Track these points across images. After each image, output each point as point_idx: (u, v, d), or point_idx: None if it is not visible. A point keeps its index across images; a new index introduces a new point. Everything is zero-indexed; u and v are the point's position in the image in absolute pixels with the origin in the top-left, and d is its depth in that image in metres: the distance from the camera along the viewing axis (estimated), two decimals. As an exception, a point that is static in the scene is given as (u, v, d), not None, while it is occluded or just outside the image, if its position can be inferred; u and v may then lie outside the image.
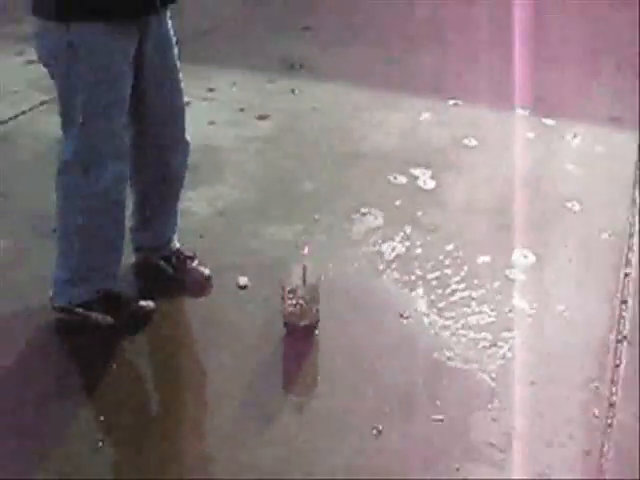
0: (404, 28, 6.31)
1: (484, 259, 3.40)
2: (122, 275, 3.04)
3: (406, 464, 2.43)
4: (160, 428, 2.58)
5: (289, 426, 2.56)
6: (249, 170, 4.17)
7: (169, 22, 2.84)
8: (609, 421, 2.59)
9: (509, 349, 2.89)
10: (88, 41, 2.57)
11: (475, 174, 4.15)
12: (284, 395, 2.74)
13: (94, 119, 2.67)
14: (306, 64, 5.58)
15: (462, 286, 3.23)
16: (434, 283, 3.24)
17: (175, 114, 2.97)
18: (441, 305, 3.12)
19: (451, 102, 5.00)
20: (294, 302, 2.90)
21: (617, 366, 2.84)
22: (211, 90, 5.14)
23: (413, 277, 3.28)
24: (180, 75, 2.91)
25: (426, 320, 3.04)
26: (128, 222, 3.02)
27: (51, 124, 3.28)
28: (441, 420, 2.57)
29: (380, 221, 3.67)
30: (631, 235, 3.62)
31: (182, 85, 2.93)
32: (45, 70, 2.72)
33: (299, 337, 2.94)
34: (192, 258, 3.25)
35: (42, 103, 4.67)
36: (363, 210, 3.75)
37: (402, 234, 3.57)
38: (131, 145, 2.88)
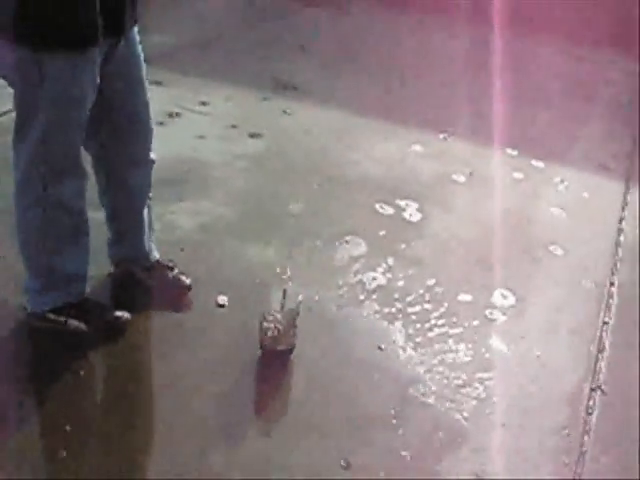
0: (401, 57, 6.35)
1: (464, 297, 3.40)
2: (102, 286, 3.02)
3: (373, 499, 2.41)
4: (126, 443, 2.54)
5: (257, 451, 2.53)
6: (236, 187, 4.14)
7: (137, 41, 2.81)
8: (579, 470, 2.58)
9: (484, 390, 2.88)
10: (54, 65, 2.52)
11: (461, 210, 4.15)
12: (253, 419, 2.71)
13: (54, 137, 2.63)
14: (299, 85, 5.58)
15: (441, 322, 3.22)
16: (413, 317, 3.23)
17: (139, 132, 2.96)
18: (419, 340, 3.10)
19: (441, 136, 5.01)
20: (271, 326, 2.87)
21: (590, 414, 2.84)
22: (204, 104, 5.13)
23: (393, 309, 3.26)
24: (148, 94, 2.90)
25: (402, 354, 3.02)
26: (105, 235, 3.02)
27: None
28: (411, 456, 2.55)
29: (363, 250, 3.66)
30: (612, 283, 3.63)
31: (149, 103, 2.92)
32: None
33: (274, 361, 2.91)
34: (172, 268, 3.23)
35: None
36: (347, 237, 3.74)
37: (384, 265, 3.56)
38: (95, 158, 2.90)
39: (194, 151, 4.47)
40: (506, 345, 3.14)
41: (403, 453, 2.56)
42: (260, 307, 2.91)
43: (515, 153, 4.86)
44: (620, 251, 3.91)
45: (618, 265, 3.77)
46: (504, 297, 3.43)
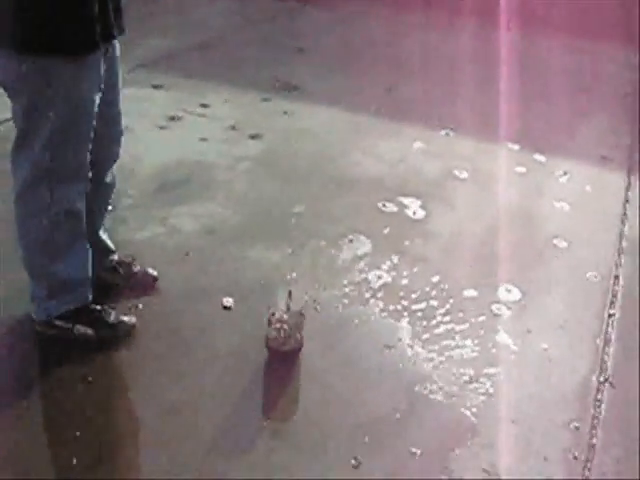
0: (399, 56, 6.35)
1: (470, 292, 3.40)
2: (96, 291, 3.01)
3: (383, 497, 2.41)
4: (133, 447, 2.55)
5: (266, 452, 2.54)
6: (238, 189, 4.15)
7: (118, 49, 2.83)
8: (588, 464, 2.58)
9: (491, 385, 2.88)
10: (59, 72, 2.55)
11: (465, 206, 4.15)
12: (262, 420, 2.71)
13: (62, 144, 2.66)
14: (300, 86, 5.58)
15: (447, 319, 3.22)
16: (419, 314, 3.23)
17: (117, 134, 2.98)
18: (425, 337, 3.11)
19: (443, 132, 5.01)
20: (278, 327, 2.88)
21: (598, 407, 2.84)
22: (204, 106, 5.13)
23: (398, 307, 3.27)
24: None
25: (409, 351, 3.03)
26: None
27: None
28: (420, 454, 2.55)
29: (368, 248, 3.67)
30: (617, 276, 3.63)
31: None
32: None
33: (281, 362, 2.92)
34: (134, 262, 3.28)
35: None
36: (351, 236, 3.74)
37: (389, 263, 3.56)
38: None
39: (196, 154, 4.48)
40: (512, 340, 3.14)
41: (413, 450, 2.56)
42: (266, 308, 2.92)
43: (517, 148, 4.86)
44: (624, 243, 3.90)
45: (622, 257, 3.77)
46: (509, 292, 3.43)
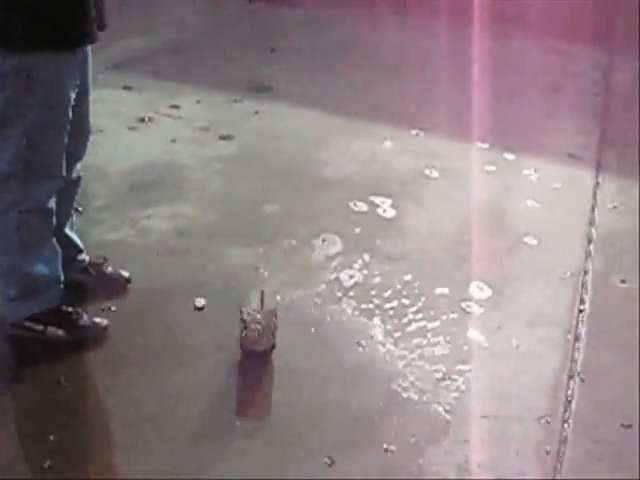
0: (370, 56, 6.36)
1: (441, 290, 3.42)
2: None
3: (358, 495, 2.42)
4: (107, 449, 2.55)
5: (240, 452, 2.54)
6: (210, 190, 4.15)
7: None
8: (560, 457, 2.61)
9: (463, 382, 2.90)
10: (45, 67, 2.56)
11: (435, 205, 4.18)
12: (236, 420, 2.71)
13: (39, 140, 2.66)
14: (272, 86, 5.58)
15: (419, 316, 3.24)
16: (391, 312, 3.25)
17: (84, 132, 2.96)
18: (397, 335, 3.12)
19: (413, 132, 5.03)
20: (251, 327, 2.88)
21: (569, 402, 2.86)
22: (175, 107, 5.12)
23: (370, 305, 3.28)
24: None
25: (382, 349, 3.04)
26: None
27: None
28: (394, 451, 2.57)
29: (339, 248, 3.68)
30: (586, 272, 3.67)
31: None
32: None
33: (255, 362, 2.92)
34: (106, 263, 3.28)
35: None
36: (323, 236, 3.75)
37: (361, 262, 3.58)
38: None
39: (167, 155, 4.48)
40: (484, 337, 3.17)
41: (387, 448, 2.57)
42: (239, 308, 2.92)
43: (486, 146, 4.88)
44: (593, 239, 3.94)
45: (591, 254, 3.81)
46: (480, 289, 3.46)
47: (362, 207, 4.06)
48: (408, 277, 3.49)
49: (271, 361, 2.93)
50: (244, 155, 4.58)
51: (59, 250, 2.92)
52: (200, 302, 3.20)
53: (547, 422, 2.75)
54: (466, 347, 3.10)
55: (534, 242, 3.89)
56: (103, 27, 2.75)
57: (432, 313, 3.27)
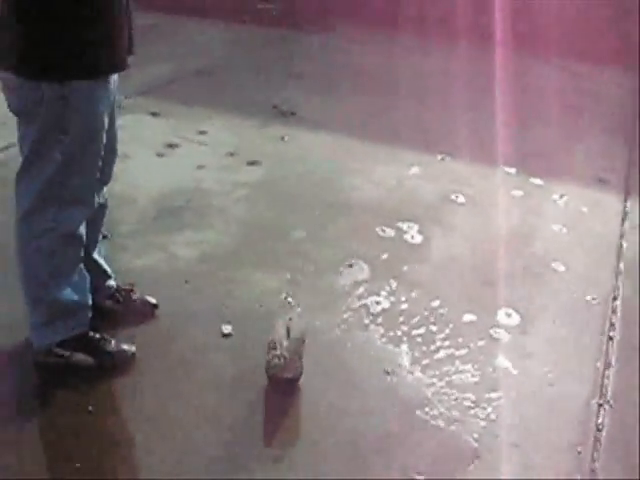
0: (394, 80, 6.37)
1: (469, 317, 3.40)
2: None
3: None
4: (133, 475, 2.54)
5: (266, 478, 2.53)
6: (237, 216, 4.16)
7: None
8: (591, 488, 2.58)
9: (492, 410, 2.87)
10: (81, 95, 2.59)
11: (462, 230, 4.16)
12: (262, 447, 2.70)
13: (74, 167, 2.68)
14: (296, 111, 5.61)
15: (447, 344, 3.22)
16: (419, 340, 3.23)
17: (113, 155, 2.98)
18: (425, 362, 3.10)
19: (439, 157, 5.03)
20: (278, 353, 2.87)
21: (599, 431, 2.83)
22: (202, 133, 5.15)
23: (398, 333, 3.27)
24: None
25: (410, 377, 3.02)
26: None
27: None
28: (423, 480, 2.55)
29: (366, 274, 3.67)
30: (615, 298, 3.63)
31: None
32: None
33: (281, 390, 2.91)
34: (133, 289, 3.28)
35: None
36: (349, 262, 3.74)
37: (388, 288, 3.56)
38: None
39: (194, 181, 4.50)
40: (513, 364, 3.14)
41: (415, 477, 2.55)
42: (265, 335, 2.92)
43: (513, 171, 4.87)
44: (622, 265, 3.91)
45: (620, 279, 3.77)
46: (508, 316, 3.44)
47: (389, 233, 4.05)
48: (435, 303, 3.47)
49: (297, 388, 2.91)
50: (270, 180, 4.59)
51: (88, 276, 2.93)
52: (227, 329, 3.20)
53: (578, 451, 2.72)
54: (495, 374, 3.07)
55: (562, 268, 3.86)
56: (132, 52, 2.79)
57: (460, 340, 3.24)
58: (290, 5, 7.98)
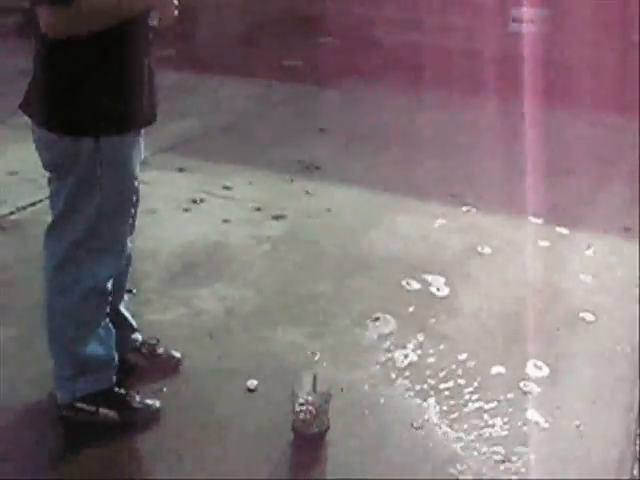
0: (419, 134, 6.39)
1: (497, 369, 3.35)
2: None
3: None
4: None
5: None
6: (261, 270, 4.15)
7: None
8: None
9: (523, 465, 2.82)
10: (114, 148, 2.63)
11: (489, 282, 4.13)
12: (290, 505, 2.67)
13: (109, 220, 2.72)
14: (321, 165, 5.63)
15: (475, 397, 3.17)
16: (446, 393, 3.18)
17: (137, 206, 2.98)
18: (453, 416, 3.05)
19: (464, 208, 5.01)
20: (304, 409, 2.84)
21: (634, 485, 2.76)
22: (227, 188, 5.18)
23: (425, 386, 3.22)
24: None
25: (438, 431, 2.97)
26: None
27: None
28: (452, 538, 2.49)
29: (392, 327, 3.64)
30: (647, 349, 3.57)
31: None
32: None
33: (308, 445, 2.87)
34: (158, 344, 3.28)
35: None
36: (375, 315, 3.71)
37: (415, 341, 3.53)
38: None
39: (219, 235, 4.51)
40: (543, 417, 3.08)
41: (444, 535, 2.50)
42: (291, 390, 2.89)
43: (540, 221, 4.84)
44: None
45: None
46: (538, 368, 3.38)
47: (415, 285, 4.03)
48: (463, 356, 3.43)
49: (324, 444, 2.87)
50: (295, 235, 4.60)
51: (113, 330, 2.93)
52: (252, 384, 3.17)
53: (612, 507, 2.65)
54: (525, 428, 3.01)
55: (591, 318, 3.81)
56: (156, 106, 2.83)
57: (489, 393, 3.19)
58: (314, 61, 8.06)
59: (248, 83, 7.67)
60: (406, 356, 3.43)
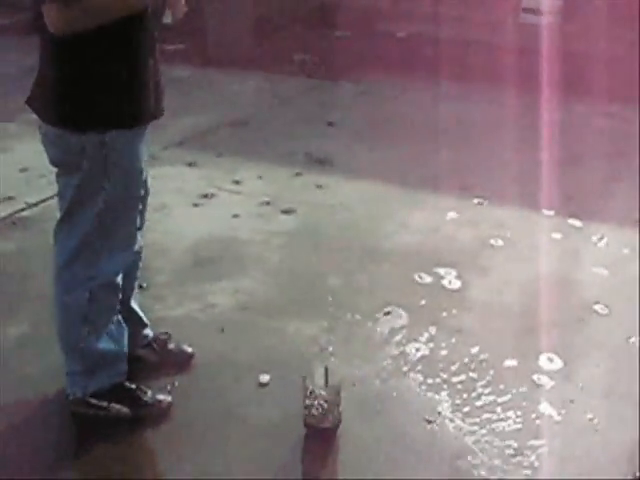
0: (431, 128, 6.35)
1: (510, 363, 3.34)
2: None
3: None
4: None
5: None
6: (272, 264, 4.15)
7: None
8: (641, 539, 2.49)
9: (536, 458, 2.80)
10: (121, 143, 2.63)
11: (501, 275, 4.10)
12: (302, 499, 2.66)
13: (117, 214, 2.72)
14: (331, 159, 5.61)
15: (488, 390, 3.16)
16: (459, 387, 3.17)
17: (146, 201, 2.99)
18: (466, 410, 3.04)
19: (476, 201, 4.99)
20: (315, 403, 2.84)
21: (648, 479, 2.74)
22: (237, 182, 5.17)
23: (438, 380, 3.21)
24: None
25: (450, 425, 2.96)
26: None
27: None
28: (465, 532, 2.48)
29: (404, 321, 3.62)
30: (660, 341, 3.55)
31: None
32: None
33: (320, 439, 2.87)
34: (169, 339, 3.27)
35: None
36: (387, 309, 3.70)
37: (427, 335, 3.51)
38: None
39: (230, 230, 4.50)
40: (556, 410, 3.06)
41: (457, 529, 2.49)
42: (303, 384, 2.88)
43: (552, 214, 4.81)
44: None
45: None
46: (551, 361, 3.36)
47: (426, 279, 4.01)
48: (475, 350, 3.41)
49: (336, 438, 2.87)
50: (306, 229, 4.58)
51: (125, 326, 2.93)
52: (264, 378, 3.17)
53: (626, 500, 2.64)
54: (538, 421, 3.00)
55: (605, 311, 3.78)
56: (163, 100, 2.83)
57: (501, 387, 3.18)
58: (326, 55, 8.03)
59: (258, 77, 7.65)
60: (418, 349, 3.41)
